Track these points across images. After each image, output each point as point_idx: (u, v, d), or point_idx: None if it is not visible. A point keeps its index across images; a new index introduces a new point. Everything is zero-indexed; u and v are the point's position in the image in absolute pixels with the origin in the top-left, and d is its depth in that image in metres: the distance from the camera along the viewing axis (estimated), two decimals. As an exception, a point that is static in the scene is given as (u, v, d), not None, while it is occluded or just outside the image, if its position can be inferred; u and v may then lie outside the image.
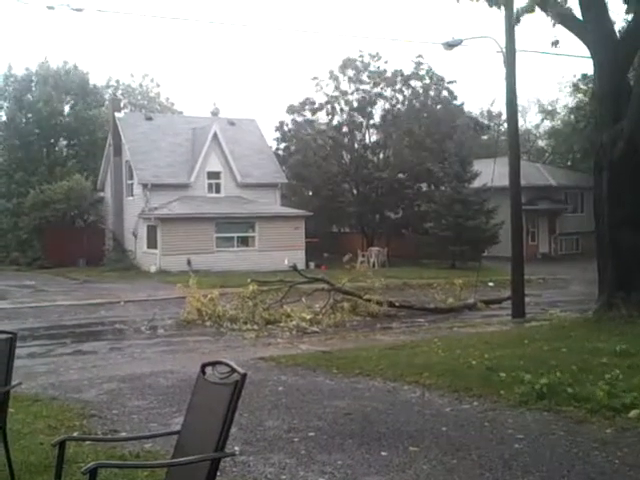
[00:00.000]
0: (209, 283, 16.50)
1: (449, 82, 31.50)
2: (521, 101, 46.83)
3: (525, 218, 27.01)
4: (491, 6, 10.21)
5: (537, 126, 44.36)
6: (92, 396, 6.70)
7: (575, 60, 62.07)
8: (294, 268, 14.59)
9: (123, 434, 5.28)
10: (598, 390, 5.80)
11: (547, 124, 43.40)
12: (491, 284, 19.63)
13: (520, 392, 6.18)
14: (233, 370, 2.80)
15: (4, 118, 34.95)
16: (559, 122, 41.45)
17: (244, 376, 2.74)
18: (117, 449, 4.70)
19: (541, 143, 43.96)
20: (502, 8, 10.87)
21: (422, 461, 4.63)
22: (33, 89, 34.62)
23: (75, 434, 5.06)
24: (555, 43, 10.43)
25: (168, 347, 10.67)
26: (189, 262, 23.53)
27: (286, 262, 18.75)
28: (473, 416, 5.75)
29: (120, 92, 43.25)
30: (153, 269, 24.20)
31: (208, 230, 25.04)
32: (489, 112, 41.49)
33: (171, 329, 12.89)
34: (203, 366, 3.00)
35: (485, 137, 39.63)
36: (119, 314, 15.13)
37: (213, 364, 2.95)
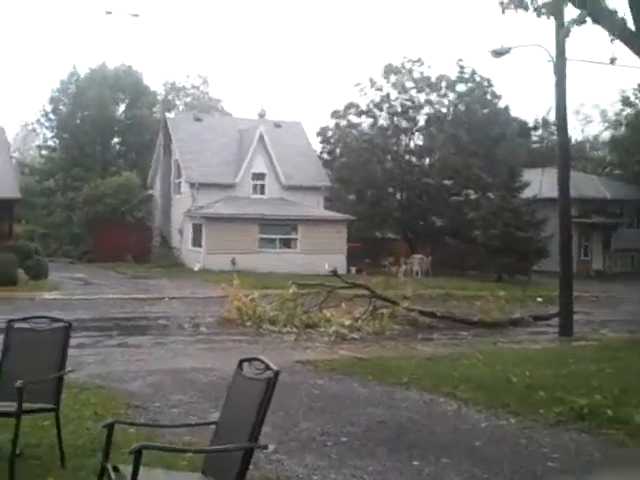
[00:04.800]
0: (250, 283, 16.72)
1: (488, 86, 31.05)
2: (585, 110, 45.67)
3: (578, 232, 25.93)
4: (539, 16, 10.02)
5: (596, 136, 43.06)
6: (136, 387, 6.97)
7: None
8: (334, 273, 14.58)
9: (165, 425, 5.47)
10: (636, 414, 5.66)
11: (608, 134, 41.97)
12: (539, 299, 19.05)
13: (559, 412, 6.07)
14: (268, 367, 2.99)
15: (64, 114, 36.30)
16: (622, 132, 39.93)
17: (277, 373, 2.91)
18: (158, 438, 4.89)
19: (601, 154, 42.57)
20: (552, 18, 10.70)
21: (453, 473, 4.64)
22: (91, 90, 35.89)
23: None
24: (613, 60, 10.12)
25: (209, 345, 10.93)
26: (234, 262, 23.87)
27: (326, 266, 18.80)
28: (509, 433, 5.68)
29: (173, 93, 44.29)
30: (197, 267, 24.66)
31: (252, 231, 25.39)
32: (544, 120, 40.45)
33: (212, 327, 13.16)
34: (241, 361, 3.21)
35: (536, 145, 38.65)
36: (163, 310, 15.55)
37: (250, 360, 3.17)
